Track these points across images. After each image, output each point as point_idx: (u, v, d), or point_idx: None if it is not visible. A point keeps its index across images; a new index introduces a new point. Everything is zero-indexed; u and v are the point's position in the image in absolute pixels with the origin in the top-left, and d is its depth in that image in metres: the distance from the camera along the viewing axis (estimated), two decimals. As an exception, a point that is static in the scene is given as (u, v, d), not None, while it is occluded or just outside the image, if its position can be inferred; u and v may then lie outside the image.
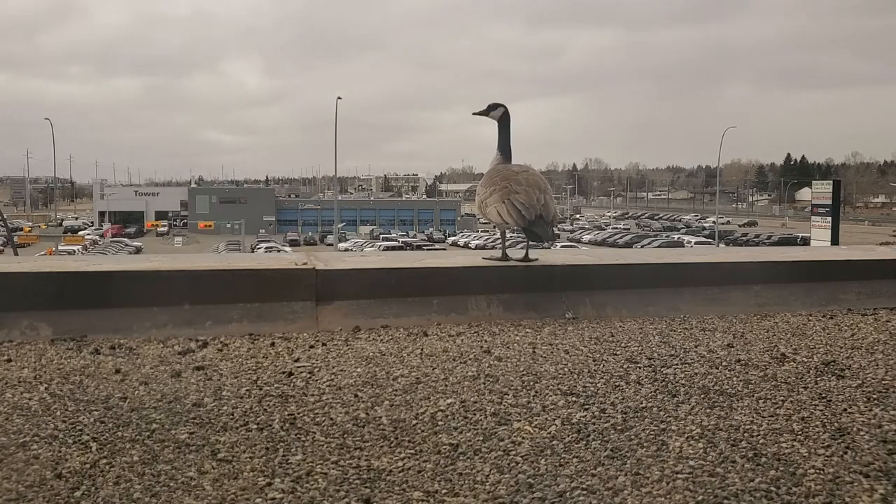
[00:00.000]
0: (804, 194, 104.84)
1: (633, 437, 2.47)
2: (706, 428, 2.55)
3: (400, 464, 2.26)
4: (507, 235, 4.82)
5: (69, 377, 3.07)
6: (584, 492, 2.08)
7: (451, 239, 70.70)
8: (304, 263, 4.20)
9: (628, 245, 57.65)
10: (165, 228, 79.31)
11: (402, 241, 62.64)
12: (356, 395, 2.88)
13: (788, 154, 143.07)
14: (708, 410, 2.74)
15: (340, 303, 4.07)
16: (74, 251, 46.98)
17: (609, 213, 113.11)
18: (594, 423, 2.59)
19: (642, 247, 49.50)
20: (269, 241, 61.69)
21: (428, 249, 45.00)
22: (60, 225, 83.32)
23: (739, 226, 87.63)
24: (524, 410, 2.72)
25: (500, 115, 4.69)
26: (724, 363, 3.39)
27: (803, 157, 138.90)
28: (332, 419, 2.62)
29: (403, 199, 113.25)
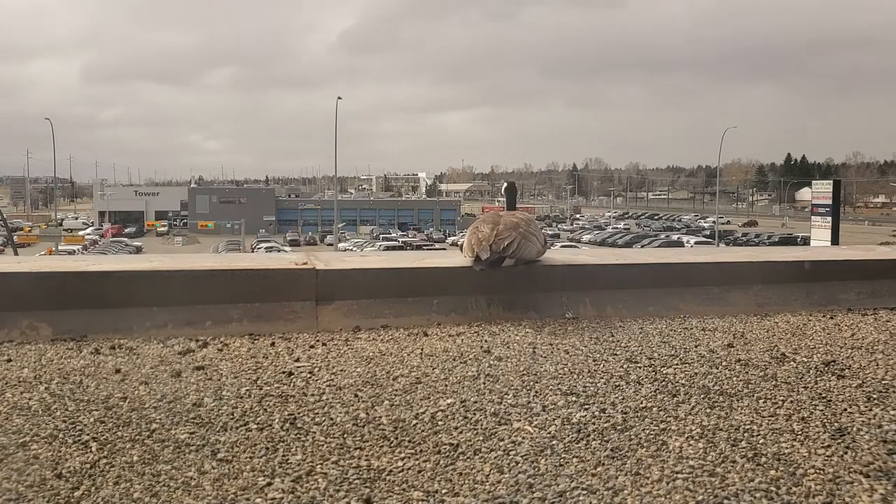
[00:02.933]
0: (804, 194, 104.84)
1: (633, 436, 2.47)
2: (706, 428, 2.55)
3: (400, 464, 2.26)
4: None
5: (69, 377, 3.07)
6: (584, 492, 2.08)
7: (450, 239, 70.67)
8: (304, 263, 4.19)
9: (628, 245, 57.63)
10: (165, 228, 79.32)
11: (402, 241, 62.62)
12: (356, 395, 2.87)
13: (788, 154, 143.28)
14: (708, 410, 2.74)
15: (340, 303, 4.06)
16: (74, 251, 46.98)
17: (609, 213, 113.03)
18: (594, 423, 2.59)
19: (642, 247, 49.47)
20: (268, 241, 61.68)
21: (428, 249, 44.99)
22: (60, 224, 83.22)
23: (739, 226, 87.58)
24: (524, 410, 2.72)
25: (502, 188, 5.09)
26: (724, 363, 3.38)
27: (803, 157, 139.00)
28: (332, 419, 2.62)
29: (403, 199, 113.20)
